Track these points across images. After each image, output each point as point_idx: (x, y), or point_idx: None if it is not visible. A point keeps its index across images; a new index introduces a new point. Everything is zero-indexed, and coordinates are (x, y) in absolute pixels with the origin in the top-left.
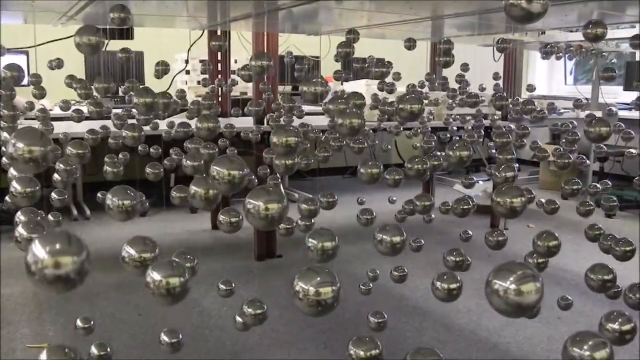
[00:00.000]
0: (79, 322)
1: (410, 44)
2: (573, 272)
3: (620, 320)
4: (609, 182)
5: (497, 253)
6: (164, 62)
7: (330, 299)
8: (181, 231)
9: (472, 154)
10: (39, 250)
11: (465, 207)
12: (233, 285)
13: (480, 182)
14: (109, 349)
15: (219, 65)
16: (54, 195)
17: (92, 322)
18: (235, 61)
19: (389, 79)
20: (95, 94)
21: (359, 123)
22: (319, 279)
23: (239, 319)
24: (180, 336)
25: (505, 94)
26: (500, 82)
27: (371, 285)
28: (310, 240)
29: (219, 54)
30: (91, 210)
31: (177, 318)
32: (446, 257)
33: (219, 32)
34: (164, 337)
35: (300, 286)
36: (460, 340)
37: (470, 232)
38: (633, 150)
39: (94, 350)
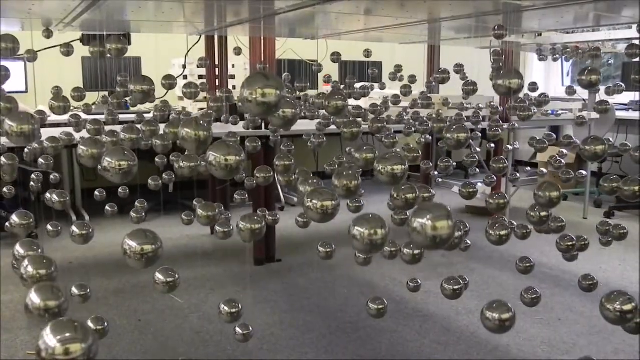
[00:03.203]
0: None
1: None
2: (572, 273)
3: (621, 299)
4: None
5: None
6: (170, 77)
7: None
8: (180, 236)
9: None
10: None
11: (471, 190)
12: (240, 307)
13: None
14: (106, 323)
15: (216, 70)
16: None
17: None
18: (233, 66)
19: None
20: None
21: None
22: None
23: (238, 329)
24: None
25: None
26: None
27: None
28: (310, 200)
29: (216, 58)
30: (90, 216)
31: (177, 323)
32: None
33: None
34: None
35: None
36: (461, 342)
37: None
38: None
39: (89, 323)
